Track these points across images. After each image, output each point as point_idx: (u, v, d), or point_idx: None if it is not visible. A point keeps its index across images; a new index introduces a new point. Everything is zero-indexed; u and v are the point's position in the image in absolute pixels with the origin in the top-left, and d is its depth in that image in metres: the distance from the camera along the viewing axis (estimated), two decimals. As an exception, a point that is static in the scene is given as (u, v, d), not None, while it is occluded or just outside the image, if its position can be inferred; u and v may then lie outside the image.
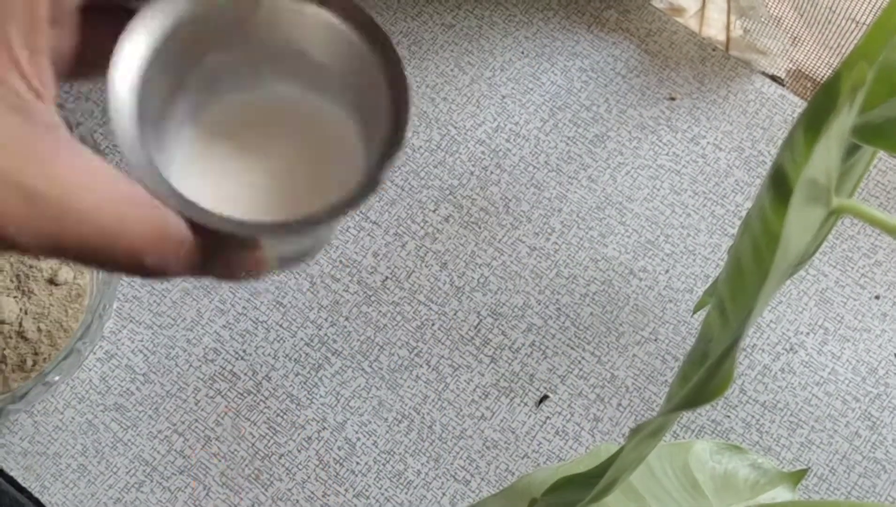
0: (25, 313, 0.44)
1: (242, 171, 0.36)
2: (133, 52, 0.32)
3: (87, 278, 0.46)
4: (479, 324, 0.50)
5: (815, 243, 0.41)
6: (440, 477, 0.48)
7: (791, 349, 0.50)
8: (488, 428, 0.49)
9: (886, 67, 0.26)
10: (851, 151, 0.31)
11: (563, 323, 0.50)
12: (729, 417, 0.49)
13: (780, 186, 0.24)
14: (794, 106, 0.54)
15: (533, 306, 0.50)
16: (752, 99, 0.54)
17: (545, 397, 0.49)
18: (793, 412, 0.49)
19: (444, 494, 0.48)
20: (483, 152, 0.53)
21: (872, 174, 0.53)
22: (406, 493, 0.48)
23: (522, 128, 0.54)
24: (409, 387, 0.49)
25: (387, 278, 0.51)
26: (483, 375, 0.50)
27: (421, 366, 0.50)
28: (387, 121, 0.32)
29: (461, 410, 0.49)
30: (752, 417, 0.49)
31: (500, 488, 0.48)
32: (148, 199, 0.30)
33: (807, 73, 0.54)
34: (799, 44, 0.53)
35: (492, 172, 0.53)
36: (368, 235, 0.52)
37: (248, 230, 0.32)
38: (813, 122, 0.24)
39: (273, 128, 0.37)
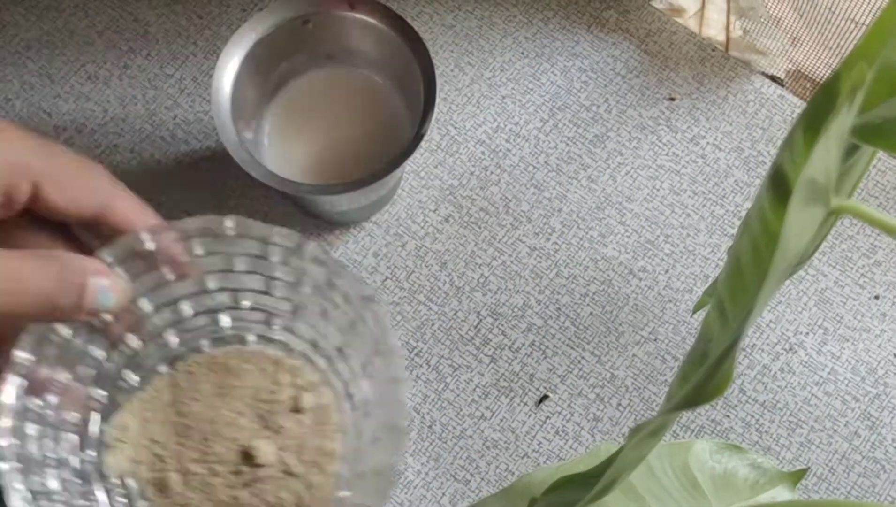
0: (283, 449, 0.41)
1: (318, 137, 0.49)
2: (230, 63, 0.45)
3: (331, 396, 0.43)
4: (478, 324, 0.50)
5: (814, 244, 0.41)
6: (440, 477, 0.48)
7: (790, 349, 0.50)
8: (488, 428, 0.49)
9: (886, 68, 0.26)
10: (850, 151, 0.31)
11: (563, 323, 0.50)
12: (728, 416, 0.49)
13: (779, 186, 0.24)
14: (794, 106, 0.54)
15: (533, 305, 0.50)
16: (751, 99, 0.55)
17: (545, 397, 0.49)
18: (792, 412, 0.49)
19: (443, 494, 0.48)
20: (483, 152, 0.53)
21: (872, 174, 0.53)
22: (406, 493, 0.48)
23: (522, 128, 0.54)
24: (409, 387, 0.49)
25: (387, 278, 0.51)
26: (483, 374, 0.50)
27: (421, 366, 0.50)
28: (422, 91, 0.45)
29: (461, 409, 0.49)
30: (752, 416, 0.49)
31: (500, 487, 0.48)
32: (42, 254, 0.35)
33: (806, 73, 0.54)
34: (798, 44, 0.53)
35: (492, 173, 0.53)
36: (368, 235, 0.52)
37: (330, 192, 0.44)
38: (812, 122, 0.24)
39: (338, 99, 0.50)
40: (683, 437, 0.49)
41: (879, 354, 0.50)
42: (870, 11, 0.48)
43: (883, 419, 0.49)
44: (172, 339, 0.41)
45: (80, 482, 0.38)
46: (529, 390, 0.49)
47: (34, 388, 0.36)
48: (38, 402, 0.36)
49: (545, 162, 0.53)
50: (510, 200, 0.52)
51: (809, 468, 0.48)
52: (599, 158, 0.53)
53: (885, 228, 0.25)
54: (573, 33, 0.56)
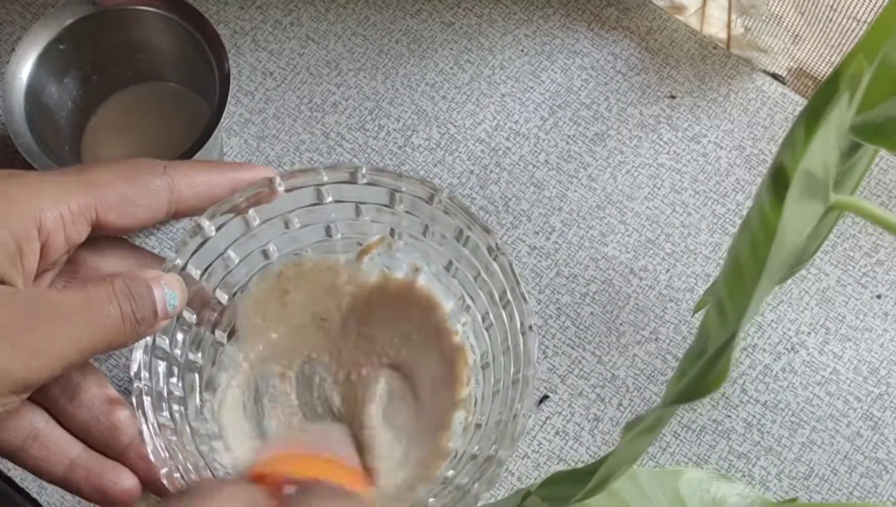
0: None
1: (126, 142, 0.51)
2: (21, 70, 0.46)
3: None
4: (478, 323, 0.50)
5: (816, 242, 0.40)
6: (439, 477, 0.48)
7: (792, 349, 0.50)
8: (488, 428, 0.49)
9: (886, 66, 0.26)
10: (853, 150, 0.30)
11: (564, 323, 0.50)
12: (730, 416, 0.49)
13: (778, 181, 0.23)
14: (796, 104, 0.54)
15: (533, 305, 0.50)
16: (753, 97, 0.54)
17: (545, 397, 0.49)
18: (794, 412, 0.49)
19: (443, 494, 0.48)
20: (483, 151, 0.53)
21: (874, 172, 0.53)
22: (405, 493, 0.48)
23: (522, 126, 0.53)
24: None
25: (386, 277, 0.51)
26: (482, 374, 0.49)
27: (420, 365, 0.50)
28: (216, 86, 0.46)
29: (460, 409, 0.49)
30: (754, 417, 0.49)
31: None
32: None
33: (808, 71, 0.54)
34: (800, 42, 0.53)
35: (491, 171, 0.53)
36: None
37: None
38: (813, 117, 0.24)
39: (146, 111, 0.51)
40: (685, 437, 0.48)
41: (882, 353, 0.50)
42: (872, 9, 0.48)
43: (885, 420, 0.49)
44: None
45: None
46: (529, 389, 0.49)
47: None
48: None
49: (545, 161, 0.53)
50: (510, 199, 0.52)
51: (797, 498, 0.47)
52: (600, 157, 0.53)
53: (884, 224, 0.25)
54: (573, 31, 0.55)
